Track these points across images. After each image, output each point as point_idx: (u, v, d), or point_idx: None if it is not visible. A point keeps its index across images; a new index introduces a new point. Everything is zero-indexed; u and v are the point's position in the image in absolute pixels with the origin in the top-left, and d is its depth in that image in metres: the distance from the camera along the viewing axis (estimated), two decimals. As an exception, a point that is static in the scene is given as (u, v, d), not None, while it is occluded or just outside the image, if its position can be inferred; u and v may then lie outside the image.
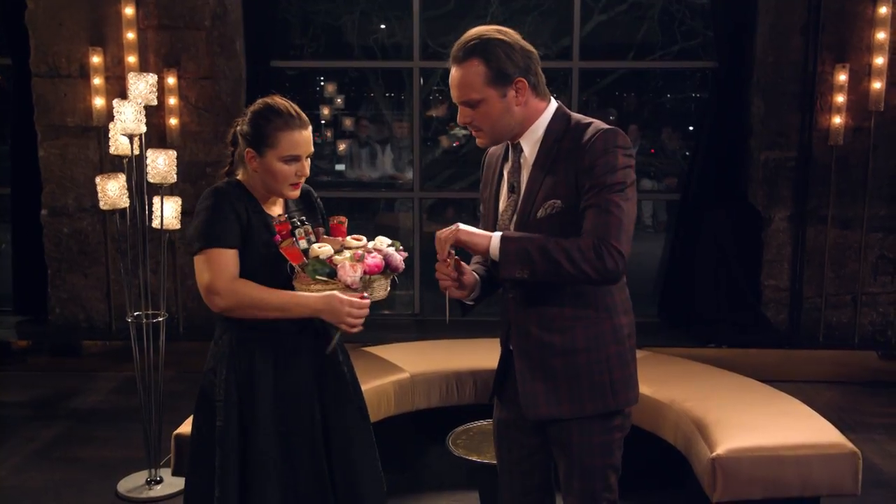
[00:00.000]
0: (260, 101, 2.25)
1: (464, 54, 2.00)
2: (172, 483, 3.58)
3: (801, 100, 5.30)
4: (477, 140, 2.12)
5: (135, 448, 3.90)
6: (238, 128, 2.27)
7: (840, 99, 5.18)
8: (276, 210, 2.28)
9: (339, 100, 7.56)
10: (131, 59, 5.26)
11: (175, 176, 3.61)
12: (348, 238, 2.21)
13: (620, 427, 2.12)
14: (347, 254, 2.15)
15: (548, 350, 2.07)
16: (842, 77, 5.16)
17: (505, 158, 2.17)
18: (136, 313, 3.66)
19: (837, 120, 5.19)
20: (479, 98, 2.00)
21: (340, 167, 7.42)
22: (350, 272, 2.10)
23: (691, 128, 7.98)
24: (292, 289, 2.17)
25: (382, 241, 2.23)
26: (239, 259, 2.17)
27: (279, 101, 2.23)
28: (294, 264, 2.16)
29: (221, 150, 5.85)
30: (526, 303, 2.09)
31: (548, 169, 2.03)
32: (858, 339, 5.39)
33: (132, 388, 3.77)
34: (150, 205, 3.74)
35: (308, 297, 2.12)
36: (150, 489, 3.59)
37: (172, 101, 5.32)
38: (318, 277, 2.12)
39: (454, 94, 2.05)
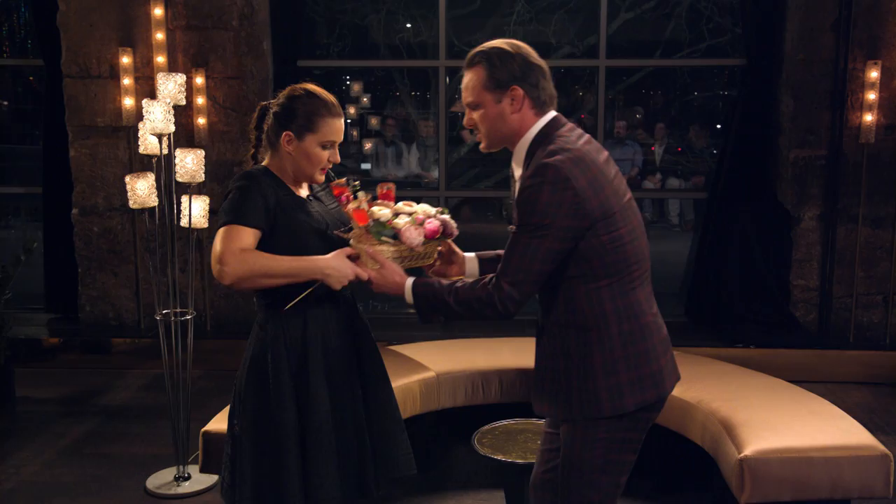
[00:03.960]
0: (297, 87, 2.30)
1: (470, 61, 2.15)
2: (200, 480, 3.62)
3: (832, 97, 5.24)
4: (480, 144, 2.23)
5: (163, 445, 3.95)
6: (272, 110, 2.31)
7: (871, 96, 5.10)
8: (303, 193, 2.35)
9: (364, 99, 7.58)
10: (160, 59, 5.31)
11: (203, 175, 3.64)
12: (400, 204, 2.31)
13: (608, 433, 2.11)
14: (406, 218, 2.24)
15: (544, 353, 2.18)
16: (873, 74, 5.09)
17: None
18: (164, 311, 3.70)
19: (869, 118, 5.12)
20: (477, 101, 2.13)
21: (366, 166, 7.43)
22: (414, 234, 2.21)
23: (719, 126, 7.90)
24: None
25: (429, 209, 2.33)
26: (270, 242, 2.22)
27: (318, 88, 2.30)
28: (360, 225, 2.23)
29: (249, 150, 5.89)
30: (540, 306, 2.20)
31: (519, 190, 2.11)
32: (889, 340, 5.31)
33: (161, 386, 3.81)
34: (179, 204, 3.77)
35: (316, 258, 2.20)
36: (178, 486, 3.62)
37: (200, 100, 5.37)
38: (383, 239, 2.21)
39: (463, 96, 2.19)
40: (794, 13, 5.23)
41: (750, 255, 5.43)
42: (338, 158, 2.32)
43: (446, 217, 2.32)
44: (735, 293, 5.41)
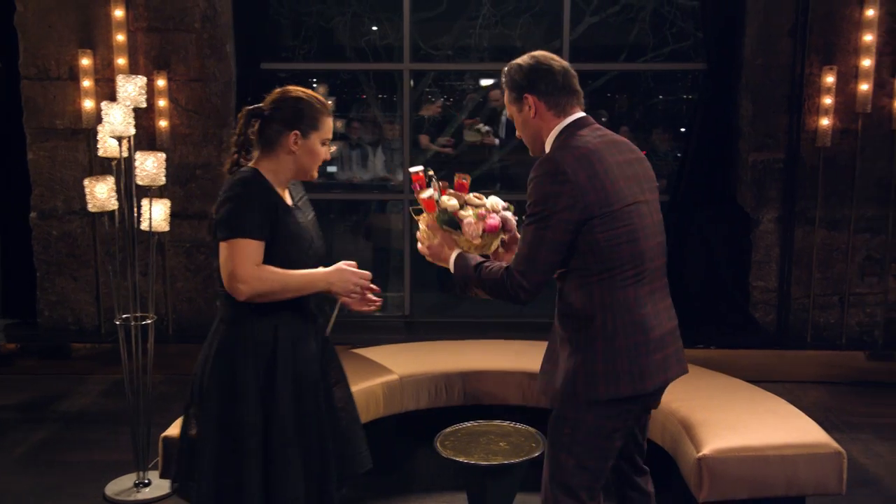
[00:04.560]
0: (288, 89, 2.38)
1: (501, 78, 2.39)
2: (160, 486, 3.58)
3: (789, 102, 5.33)
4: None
5: (123, 451, 3.90)
6: (267, 113, 2.35)
7: (828, 101, 5.21)
8: (287, 198, 2.39)
9: (330, 102, 7.56)
10: (121, 61, 5.25)
11: (164, 178, 3.61)
12: (471, 195, 2.49)
13: (596, 418, 2.24)
14: (471, 211, 2.43)
15: (553, 338, 2.36)
16: (829, 79, 5.19)
17: None
18: (124, 315, 3.66)
19: (825, 122, 5.22)
20: (510, 114, 2.39)
21: (332, 169, 7.41)
22: (474, 229, 2.40)
23: (683, 129, 7.99)
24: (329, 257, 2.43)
25: (498, 203, 2.51)
26: (268, 247, 2.26)
27: (307, 90, 2.40)
28: (428, 212, 2.47)
29: (211, 153, 5.85)
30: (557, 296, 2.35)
31: None
32: (846, 340, 5.42)
33: (121, 391, 3.77)
34: (140, 207, 3.74)
35: (319, 272, 2.33)
36: (137, 492, 3.58)
37: (162, 103, 5.32)
38: (445, 227, 2.42)
39: None
40: (752, 18, 5.32)
41: (710, 257, 5.50)
42: (329, 155, 2.44)
43: (509, 214, 2.49)
44: (696, 294, 5.48)
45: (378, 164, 7.12)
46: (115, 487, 3.62)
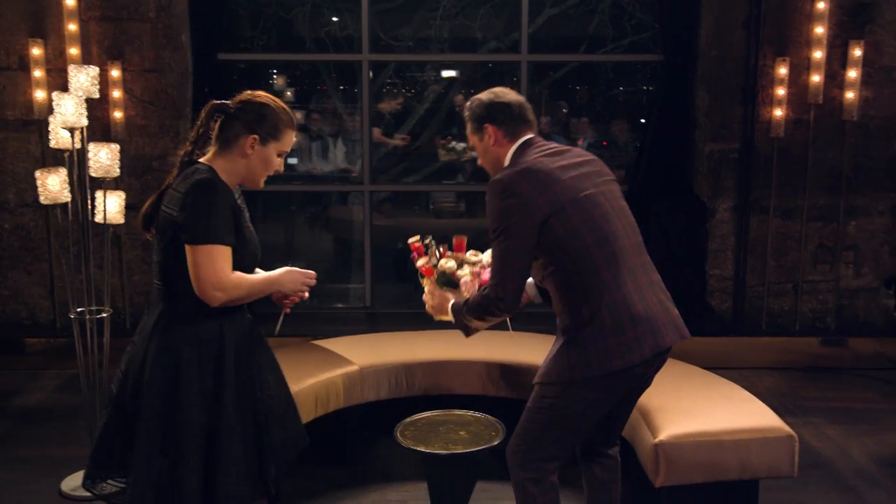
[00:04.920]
0: (261, 94, 2.37)
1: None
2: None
3: (744, 93, 5.41)
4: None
5: (79, 446, 3.84)
6: (232, 111, 2.33)
7: (781, 92, 5.30)
8: (237, 199, 2.38)
9: (289, 93, 7.49)
10: (73, 51, 5.15)
11: (118, 170, 3.56)
12: (468, 254, 2.82)
13: (587, 392, 2.43)
14: (467, 269, 2.76)
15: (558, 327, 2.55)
16: (782, 70, 5.28)
17: None
18: (79, 309, 3.61)
19: (778, 112, 5.31)
20: (472, 144, 2.66)
21: (292, 160, 7.36)
22: (471, 286, 2.72)
23: (643, 120, 8.07)
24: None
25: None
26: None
27: (277, 99, 2.40)
28: (427, 277, 2.80)
29: (168, 144, 5.77)
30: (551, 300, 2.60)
31: None
32: (799, 327, 5.53)
33: (77, 386, 3.72)
34: (94, 199, 3.68)
35: (274, 275, 2.40)
36: (94, 487, 3.53)
37: (117, 94, 5.23)
38: (444, 288, 2.74)
39: None
40: (707, 11, 5.39)
41: (668, 247, 5.57)
42: (282, 168, 2.44)
43: None
44: (654, 283, 5.54)
45: (339, 156, 7.09)
46: (71, 483, 3.57)
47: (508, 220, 2.40)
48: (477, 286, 2.72)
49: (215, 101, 2.35)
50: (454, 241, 2.87)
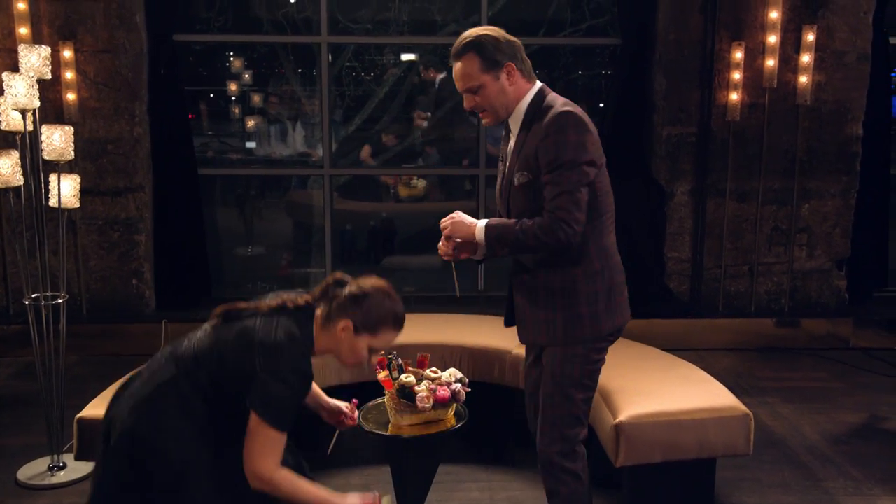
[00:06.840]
0: (387, 288, 2.29)
1: (461, 50, 2.45)
2: (76, 468, 3.50)
3: (701, 77, 5.48)
4: (484, 120, 2.57)
5: (36, 434, 3.79)
6: (348, 291, 2.26)
7: (736, 76, 5.37)
8: None
9: (246, 75, 7.39)
10: (23, 30, 5.02)
11: (72, 153, 3.49)
12: (429, 370, 2.95)
13: (585, 352, 2.49)
14: (424, 385, 2.86)
15: (528, 290, 2.52)
16: (738, 55, 5.35)
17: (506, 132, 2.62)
18: (34, 295, 3.54)
19: (734, 96, 5.38)
20: (479, 84, 2.44)
21: (251, 144, 7.27)
22: (425, 402, 2.82)
23: (602, 104, 8.13)
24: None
25: (454, 375, 2.96)
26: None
27: (400, 304, 2.30)
28: (386, 389, 2.90)
29: (123, 127, 5.65)
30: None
31: (522, 144, 2.46)
32: (755, 308, 5.64)
33: (32, 374, 3.65)
34: (48, 183, 3.60)
35: (335, 496, 2.21)
36: (52, 475, 3.49)
37: (69, 75, 5.12)
38: (402, 400, 2.84)
39: (458, 85, 2.48)
40: (666, -5, 5.42)
41: (627, 230, 5.62)
42: (375, 364, 2.43)
43: (459, 386, 2.90)
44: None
45: (298, 140, 7.03)
46: (28, 472, 3.52)
47: (582, 153, 2.34)
48: (431, 403, 2.82)
49: (338, 274, 2.32)
50: (418, 357, 3.02)
